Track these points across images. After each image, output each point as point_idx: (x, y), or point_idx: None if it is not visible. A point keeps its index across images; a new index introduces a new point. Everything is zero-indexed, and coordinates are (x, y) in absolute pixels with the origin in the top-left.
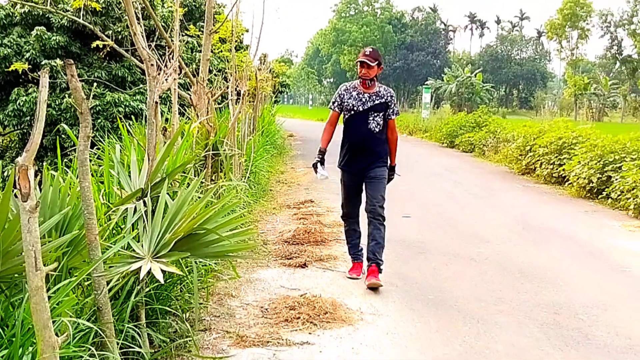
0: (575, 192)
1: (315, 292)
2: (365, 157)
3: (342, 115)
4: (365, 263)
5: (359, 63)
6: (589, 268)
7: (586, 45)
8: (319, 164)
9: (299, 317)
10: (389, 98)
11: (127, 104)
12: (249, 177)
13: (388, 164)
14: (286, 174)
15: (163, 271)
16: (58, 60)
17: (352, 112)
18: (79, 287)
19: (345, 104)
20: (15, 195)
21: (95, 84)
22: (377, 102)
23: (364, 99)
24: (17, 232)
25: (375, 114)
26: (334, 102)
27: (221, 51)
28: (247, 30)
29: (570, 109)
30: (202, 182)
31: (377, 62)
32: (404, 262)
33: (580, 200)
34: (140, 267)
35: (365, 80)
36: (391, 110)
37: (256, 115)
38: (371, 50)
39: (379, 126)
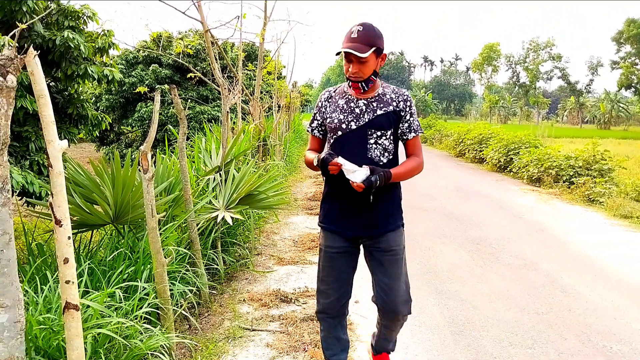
0: (490, 168)
1: None
2: (366, 212)
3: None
4: (365, 346)
5: (343, 55)
6: (499, 215)
7: (497, 76)
8: (330, 157)
9: (316, 246)
10: (401, 104)
11: (209, 113)
12: (285, 159)
13: (402, 220)
14: None
15: (232, 217)
16: (166, 85)
17: (340, 133)
18: (179, 228)
19: (329, 119)
20: (139, 170)
21: (189, 100)
22: (380, 111)
23: (358, 110)
24: (140, 193)
25: (380, 133)
26: (312, 121)
27: (268, 79)
28: (284, 67)
29: (487, 116)
30: (256, 162)
31: (373, 49)
32: None
33: (493, 173)
34: (217, 215)
35: (356, 84)
36: (407, 123)
37: (290, 119)
38: (360, 29)
39: (387, 153)
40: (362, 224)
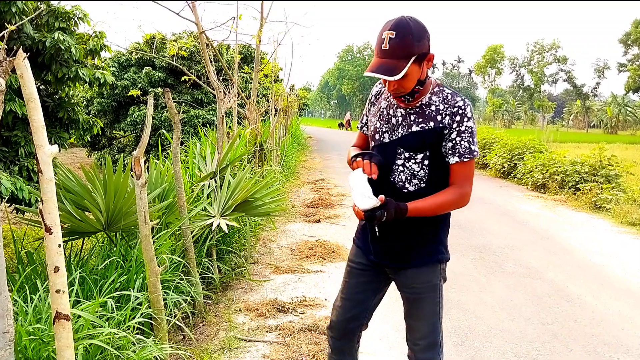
0: (493, 173)
1: (325, 239)
2: (392, 239)
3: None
4: None
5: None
6: (503, 222)
7: (500, 79)
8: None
9: (315, 255)
10: (447, 119)
11: (204, 117)
12: (282, 164)
13: (442, 253)
14: (307, 162)
15: (227, 225)
16: (159, 89)
17: (373, 144)
18: (172, 235)
19: (369, 123)
20: (132, 176)
21: (183, 104)
22: (416, 127)
23: (394, 120)
24: (133, 200)
25: (408, 155)
26: (362, 115)
27: (265, 83)
28: (281, 69)
29: (490, 120)
30: (252, 168)
31: (413, 59)
32: None
33: (497, 179)
34: (212, 222)
35: (398, 97)
36: (452, 143)
37: (287, 124)
38: (393, 35)
39: (416, 179)
40: (385, 252)
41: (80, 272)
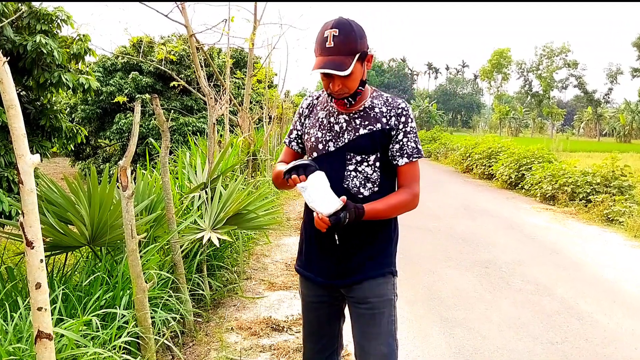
0: (500, 184)
1: None
2: (340, 253)
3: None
4: None
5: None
6: (509, 236)
7: (507, 84)
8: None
9: None
10: (393, 120)
11: (194, 124)
12: None
13: (394, 265)
14: None
15: (219, 239)
16: (147, 95)
17: (316, 154)
18: (161, 250)
19: (307, 136)
20: (118, 187)
21: (172, 111)
22: (364, 130)
23: (338, 127)
24: (119, 212)
25: (360, 158)
26: (290, 131)
27: (258, 88)
28: (276, 74)
29: (497, 128)
30: (245, 178)
31: (357, 56)
32: None
33: (504, 190)
34: (203, 236)
35: (342, 100)
36: (399, 144)
37: (282, 132)
38: (336, 33)
39: (370, 184)
40: (335, 269)
41: (63, 289)
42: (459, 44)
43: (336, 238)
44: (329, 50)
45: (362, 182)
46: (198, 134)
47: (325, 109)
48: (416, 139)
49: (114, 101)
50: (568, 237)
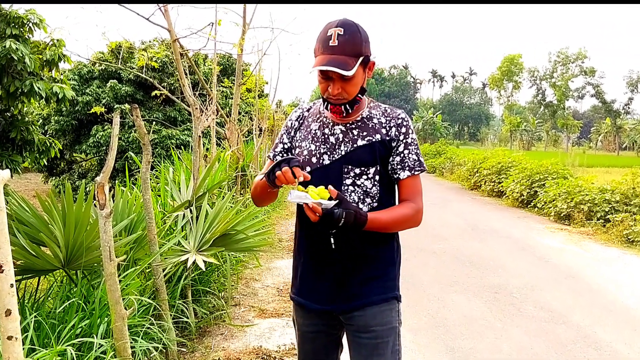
0: (510, 202)
1: None
2: (338, 273)
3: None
4: None
5: (319, 73)
6: (521, 259)
7: (518, 93)
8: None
9: None
10: (393, 131)
11: (178, 137)
12: None
13: (398, 289)
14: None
15: (204, 261)
16: (127, 105)
17: (309, 169)
18: (142, 273)
19: (298, 150)
20: (95, 205)
21: (154, 123)
22: (362, 141)
23: (333, 139)
24: (96, 233)
25: (359, 171)
26: (275, 145)
27: (248, 98)
28: (267, 83)
29: (507, 141)
30: (233, 196)
31: (360, 59)
32: None
33: (514, 209)
34: (187, 259)
35: (339, 107)
36: (400, 157)
37: (273, 145)
38: (341, 32)
39: (370, 198)
40: (333, 292)
41: (35, 316)
42: (466, 50)
43: (332, 242)
44: (332, 49)
45: (361, 196)
46: (182, 147)
47: (319, 120)
48: (417, 151)
49: (91, 112)
50: (585, 259)
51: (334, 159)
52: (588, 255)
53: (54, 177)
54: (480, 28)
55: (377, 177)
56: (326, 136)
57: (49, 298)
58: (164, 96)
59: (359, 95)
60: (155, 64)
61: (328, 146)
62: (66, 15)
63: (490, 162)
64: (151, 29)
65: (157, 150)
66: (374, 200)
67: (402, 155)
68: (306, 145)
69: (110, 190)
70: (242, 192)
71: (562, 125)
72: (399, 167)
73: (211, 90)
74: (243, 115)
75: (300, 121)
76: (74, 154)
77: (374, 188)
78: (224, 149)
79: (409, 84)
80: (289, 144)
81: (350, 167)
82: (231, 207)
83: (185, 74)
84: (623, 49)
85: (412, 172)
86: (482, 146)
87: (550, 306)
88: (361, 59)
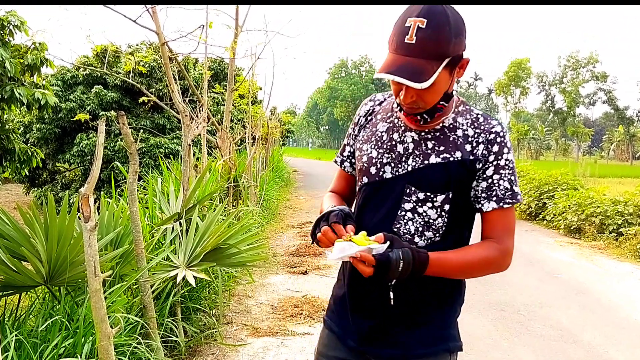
0: (518, 215)
1: (314, 294)
2: (384, 312)
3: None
4: None
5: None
6: (529, 274)
7: (526, 100)
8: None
9: (301, 313)
10: (481, 149)
11: (167, 146)
12: (262, 204)
13: (453, 340)
14: (291, 200)
15: (195, 277)
16: (112, 112)
17: (366, 180)
18: (128, 290)
19: (358, 152)
20: (79, 218)
21: (141, 131)
22: (436, 158)
23: (402, 147)
24: (80, 247)
25: (423, 196)
26: (342, 147)
27: (240, 105)
28: (260, 88)
29: (514, 150)
30: (225, 208)
31: (445, 62)
32: None
33: (522, 222)
34: (176, 274)
35: (414, 116)
36: (488, 183)
37: (268, 155)
38: (423, 25)
39: (431, 231)
40: (374, 332)
41: (16, 335)
42: (471, 53)
43: (391, 296)
44: (407, 48)
45: (420, 228)
46: (171, 156)
47: (389, 121)
48: (512, 177)
49: (75, 119)
50: (596, 275)
51: (397, 173)
52: (600, 270)
53: (35, 188)
54: (486, 30)
55: (446, 207)
56: (393, 143)
57: (31, 316)
58: (152, 103)
59: (442, 102)
60: (142, 69)
61: (394, 156)
62: (49, 17)
63: None
64: (139, 32)
65: (144, 159)
66: (437, 235)
67: (489, 181)
68: (367, 150)
69: (95, 202)
70: (234, 204)
71: (572, 133)
72: (483, 195)
73: (202, 96)
74: (235, 123)
75: (369, 117)
76: (57, 164)
77: (439, 220)
78: (215, 158)
79: None
80: (354, 146)
81: (413, 188)
82: (223, 219)
83: (175, 79)
84: (637, 52)
85: (501, 204)
86: None
87: (560, 324)
88: (446, 61)
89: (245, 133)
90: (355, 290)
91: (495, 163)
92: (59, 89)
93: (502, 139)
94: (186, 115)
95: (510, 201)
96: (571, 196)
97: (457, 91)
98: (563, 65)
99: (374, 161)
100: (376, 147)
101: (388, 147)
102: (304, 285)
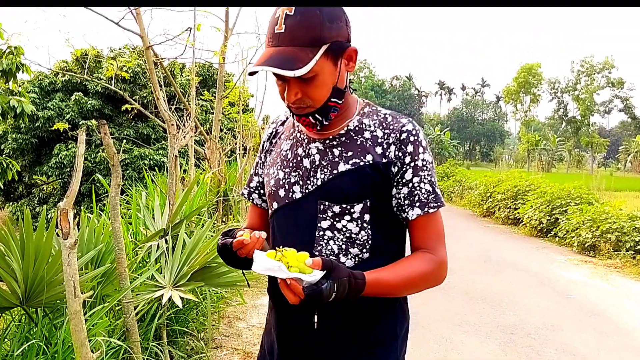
0: (528, 231)
1: None
2: (325, 340)
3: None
4: None
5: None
6: (540, 295)
7: (537, 108)
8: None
9: None
10: (393, 149)
11: (151, 157)
12: None
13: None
14: None
15: (182, 298)
16: (93, 121)
17: (276, 205)
18: (111, 312)
19: (266, 178)
20: (58, 234)
21: (124, 141)
22: (346, 165)
23: (308, 161)
24: (59, 265)
25: (339, 209)
26: (250, 177)
27: (230, 113)
28: (252, 96)
29: (524, 161)
30: (214, 223)
31: (323, 49)
32: None
33: (533, 239)
34: (162, 295)
35: (306, 119)
36: (408, 188)
37: None
38: (291, 12)
39: (356, 247)
40: (298, 354)
41: None
42: (478, 58)
43: (315, 320)
44: (278, 38)
45: (343, 245)
46: (156, 168)
47: (292, 137)
48: (432, 179)
49: (53, 129)
50: (612, 296)
51: (307, 190)
52: (616, 290)
53: (11, 203)
54: (494, 34)
55: (366, 217)
56: (299, 159)
57: (6, 339)
58: (135, 111)
59: (334, 99)
60: (125, 75)
61: (301, 173)
62: (25, 19)
63: (505, 185)
64: (121, 35)
65: (128, 172)
66: (364, 250)
67: (410, 185)
68: (274, 173)
69: (75, 218)
70: (224, 220)
71: (586, 143)
72: (406, 202)
73: (189, 104)
74: (225, 133)
75: (273, 140)
76: (34, 177)
77: (362, 233)
78: (204, 170)
79: (413, 97)
80: (263, 174)
81: (327, 203)
82: (212, 236)
83: (160, 86)
84: None
85: (426, 209)
86: (496, 167)
87: (573, 348)
88: (323, 48)
89: (235, 143)
90: (280, 311)
91: (412, 165)
92: (36, 96)
93: (416, 137)
94: (172, 125)
95: (435, 204)
96: (585, 211)
97: (462, 102)
98: (576, 71)
99: (281, 182)
100: (282, 167)
101: (294, 164)
102: None
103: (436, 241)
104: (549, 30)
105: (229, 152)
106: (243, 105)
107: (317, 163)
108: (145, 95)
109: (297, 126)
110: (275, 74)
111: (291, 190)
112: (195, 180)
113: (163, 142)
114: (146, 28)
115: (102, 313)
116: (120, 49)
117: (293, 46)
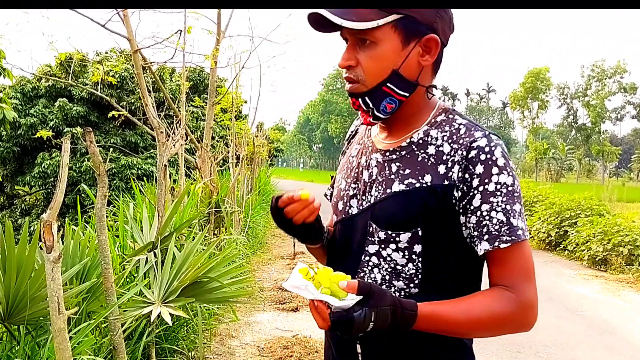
0: (536, 244)
1: (306, 334)
2: None
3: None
4: None
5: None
6: (549, 311)
7: (545, 114)
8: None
9: (291, 356)
10: (456, 170)
11: (140, 166)
12: (247, 232)
13: None
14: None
15: (171, 315)
16: (78, 128)
17: (336, 218)
18: (97, 329)
19: (335, 177)
20: (41, 248)
21: (111, 149)
22: (400, 185)
23: (367, 173)
24: (42, 280)
25: (384, 235)
26: (333, 178)
27: (223, 120)
28: (245, 102)
29: (532, 171)
30: (205, 236)
31: (392, 16)
32: None
33: (541, 252)
34: (151, 311)
35: (355, 101)
36: (477, 216)
37: (254, 176)
38: None
39: (404, 280)
40: None
41: None
42: (483, 62)
43: (358, 349)
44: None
45: (387, 276)
46: (145, 178)
47: (361, 142)
48: (507, 207)
49: (36, 136)
50: (624, 312)
51: (362, 207)
52: (628, 307)
53: None
54: (500, 37)
55: (416, 249)
56: (360, 169)
57: None
58: (123, 118)
59: (391, 84)
60: (112, 80)
61: (359, 186)
62: (6, 21)
63: None
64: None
65: (114, 182)
66: (411, 285)
67: (478, 214)
68: (339, 181)
69: (59, 230)
70: (216, 232)
71: (597, 152)
72: (475, 234)
73: (179, 110)
74: (217, 141)
75: (351, 140)
76: (16, 187)
77: (409, 265)
78: (195, 180)
79: None
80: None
81: (374, 226)
82: (203, 249)
83: (149, 91)
84: None
85: (496, 243)
86: None
87: None
88: (393, 16)
89: (228, 152)
90: (329, 333)
91: (481, 189)
92: (18, 102)
93: (489, 156)
94: (161, 132)
95: (509, 239)
96: (596, 223)
97: (467, 108)
98: (587, 76)
99: (341, 194)
100: (345, 175)
101: (355, 175)
102: (294, 324)
103: (519, 278)
104: (559, 32)
105: (221, 161)
106: (236, 111)
107: (374, 177)
108: (133, 101)
109: (368, 130)
110: (342, 36)
111: (348, 204)
112: (186, 190)
113: (152, 150)
114: (134, 30)
115: (88, 330)
116: (106, 52)
117: (359, 7)
